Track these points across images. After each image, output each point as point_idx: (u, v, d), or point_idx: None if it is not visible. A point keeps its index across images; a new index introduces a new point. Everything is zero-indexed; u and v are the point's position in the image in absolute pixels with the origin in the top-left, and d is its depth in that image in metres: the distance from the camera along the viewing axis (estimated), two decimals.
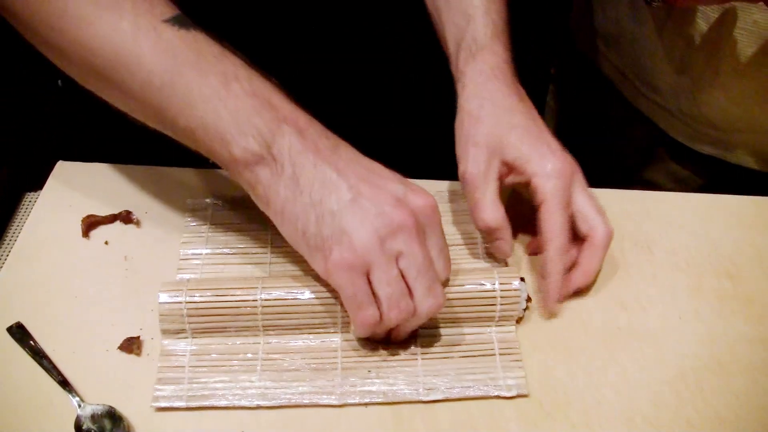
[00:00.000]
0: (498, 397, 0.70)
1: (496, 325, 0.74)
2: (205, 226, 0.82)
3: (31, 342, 0.71)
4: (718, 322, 0.77)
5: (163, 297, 0.70)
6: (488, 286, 0.73)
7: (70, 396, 0.68)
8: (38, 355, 0.70)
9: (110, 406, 0.67)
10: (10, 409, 0.68)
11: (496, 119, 0.75)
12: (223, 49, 0.67)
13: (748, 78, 0.88)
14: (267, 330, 0.72)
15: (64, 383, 0.69)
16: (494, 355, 0.73)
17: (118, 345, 0.72)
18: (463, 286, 0.72)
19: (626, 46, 0.99)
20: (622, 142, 1.07)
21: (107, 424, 0.66)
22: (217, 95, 0.64)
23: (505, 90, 0.77)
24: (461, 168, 0.75)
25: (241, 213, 0.83)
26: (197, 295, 0.70)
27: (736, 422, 0.69)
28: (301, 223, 0.65)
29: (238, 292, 0.71)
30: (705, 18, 0.87)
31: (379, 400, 0.69)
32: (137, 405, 0.68)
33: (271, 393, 0.69)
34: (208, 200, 0.84)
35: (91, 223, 0.82)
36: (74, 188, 0.86)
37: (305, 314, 0.71)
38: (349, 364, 0.71)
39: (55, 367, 0.70)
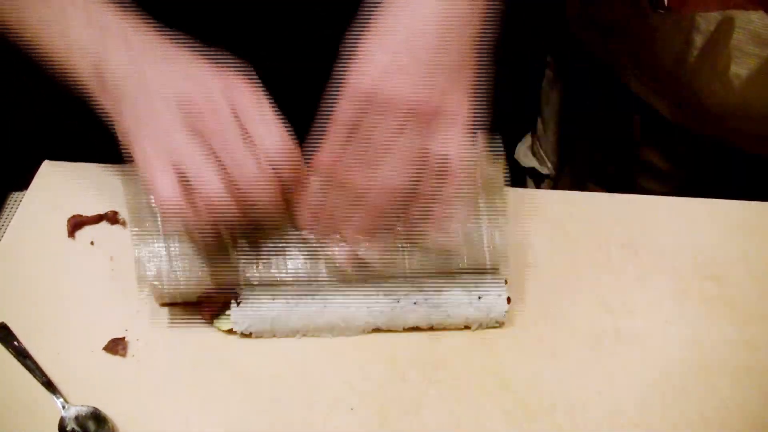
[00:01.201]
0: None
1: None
2: None
3: (15, 343, 0.71)
4: (703, 325, 0.77)
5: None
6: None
7: (54, 397, 0.67)
8: (22, 356, 0.70)
9: (95, 408, 0.67)
10: None
11: None
12: None
13: (744, 68, 0.88)
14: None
15: (48, 384, 0.68)
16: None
17: (104, 346, 0.72)
18: None
19: (623, 35, 1.00)
20: (620, 126, 1.07)
21: (91, 425, 0.66)
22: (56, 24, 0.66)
23: None
24: None
25: None
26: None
27: (721, 425, 0.70)
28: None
29: None
30: (703, 14, 0.87)
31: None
32: (122, 406, 0.68)
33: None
34: None
35: (76, 223, 0.81)
36: (60, 188, 0.85)
37: None
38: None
39: (39, 368, 0.69)
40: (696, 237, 0.86)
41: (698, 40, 0.90)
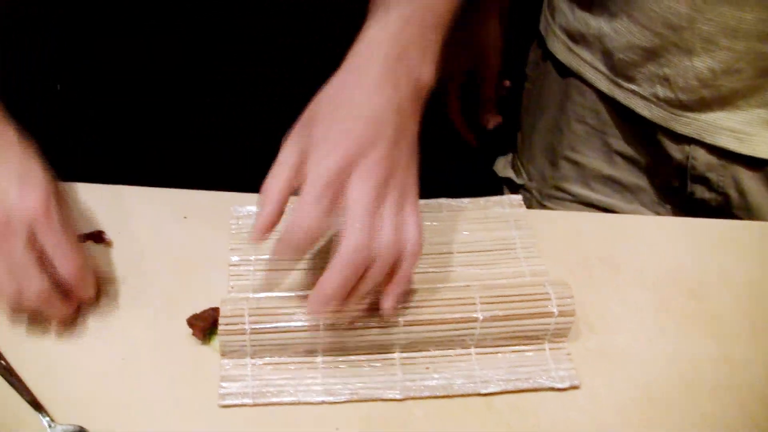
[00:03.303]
0: (552, 388, 0.73)
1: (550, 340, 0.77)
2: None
3: (2, 361, 0.71)
4: (684, 342, 0.78)
5: (224, 324, 0.72)
6: (546, 309, 0.74)
7: (40, 416, 0.67)
8: (8, 374, 0.70)
9: (81, 427, 0.67)
10: None
11: None
12: None
13: (717, 59, 0.90)
14: (327, 352, 0.74)
15: (35, 403, 0.68)
16: (544, 350, 0.75)
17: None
18: (518, 306, 0.74)
19: (596, 42, 1.02)
20: (599, 133, 1.09)
21: None
22: None
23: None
24: None
25: (285, 219, 0.84)
26: (258, 326, 0.72)
27: None
28: None
29: (301, 317, 0.72)
30: (675, 12, 0.89)
31: (439, 393, 0.72)
32: (108, 425, 0.68)
33: (334, 389, 0.72)
34: (254, 207, 0.85)
35: None
36: None
37: (366, 336, 0.73)
38: (408, 361, 0.74)
39: (25, 387, 0.69)
40: (676, 254, 0.87)
41: (670, 32, 0.92)
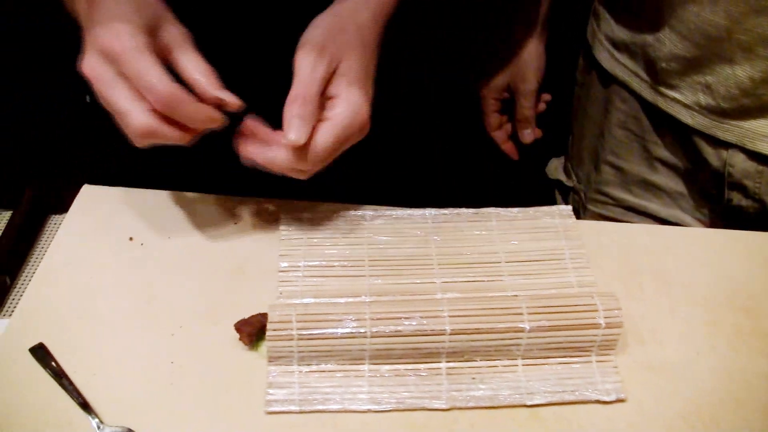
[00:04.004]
0: (598, 401, 0.72)
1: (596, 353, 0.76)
2: (302, 240, 0.85)
3: (53, 363, 0.72)
4: (735, 358, 0.77)
5: (272, 330, 0.72)
6: (593, 320, 0.74)
7: (89, 417, 0.69)
8: (58, 376, 0.71)
9: (129, 429, 0.68)
10: (30, 429, 0.68)
11: None
12: None
13: (756, 68, 0.90)
14: (373, 359, 0.74)
15: (84, 404, 0.69)
16: (591, 362, 0.75)
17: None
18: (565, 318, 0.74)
19: (640, 51, 1.02)
20: (639, 140, 1.09)
21: None
22: None
23: None
24: None
25: (335, 227, 0.86)
26: (306, 332, 0.72)
27: None
28: None
29: (349, 324, 0.72)
30: (713, 23, 0.89)
31: (485, 404, 0.72)
32: (155, 428, 0.69)
33: (380, 398, 0.72)
34: (304, 214, 0.87)
35: None
36: (99, 212, 0.87)
37: (413, 344, 0.73)
38: (454, 371, 0.74)
39: (75, 389, 0.71)
40: (729, 269, 0.85)
41: (709, 43, 0.91)
